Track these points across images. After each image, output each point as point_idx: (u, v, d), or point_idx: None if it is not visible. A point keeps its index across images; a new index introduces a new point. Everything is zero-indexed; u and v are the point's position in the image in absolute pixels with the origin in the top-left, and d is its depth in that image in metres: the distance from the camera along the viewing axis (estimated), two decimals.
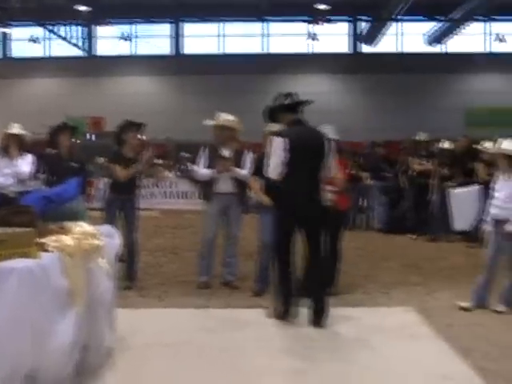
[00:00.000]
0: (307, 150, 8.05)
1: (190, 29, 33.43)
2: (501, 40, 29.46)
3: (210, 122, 9.96)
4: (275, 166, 7.99)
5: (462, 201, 14.70)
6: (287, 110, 8.31)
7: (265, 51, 32.32)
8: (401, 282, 10.36)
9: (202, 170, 9.88)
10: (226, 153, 9.62)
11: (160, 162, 14.58)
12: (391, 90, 28.86)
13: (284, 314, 8.03)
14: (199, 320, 8.06)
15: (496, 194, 8.72)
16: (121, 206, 9.66)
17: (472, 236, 14.20)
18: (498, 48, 29.87)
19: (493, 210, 8.75)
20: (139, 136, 10.00)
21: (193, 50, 32.82)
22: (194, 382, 5.97)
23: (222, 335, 7.40)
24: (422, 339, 7.37)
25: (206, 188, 9.95)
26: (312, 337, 7.43)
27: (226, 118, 9.86)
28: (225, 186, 9.60)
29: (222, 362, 6.49)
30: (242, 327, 7.81)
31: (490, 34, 30.61)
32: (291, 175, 7.95)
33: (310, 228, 8.11)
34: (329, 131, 9.43)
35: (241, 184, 9.77)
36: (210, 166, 9.76)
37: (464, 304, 8.67)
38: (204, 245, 9.88)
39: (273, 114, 8.47)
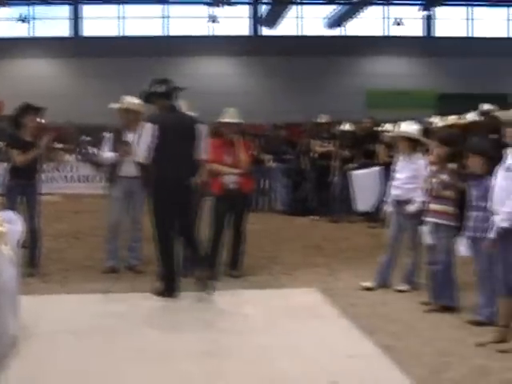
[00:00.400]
0: (176, 135, 8.30)
1: (89, 11, 32.86)
2: (399, 24, 29.96)
3: (114, 105, 9.86)
4: (142, 150, 8.32)
5: (362, 182, 14.93)
6: (161, 96, 8.49)
7: (165, 34, 32.04)
8: (304, 264, 10.46)
9: (105, 153, 9.76)
10: (129, 136, 9.50)
11: (60, 145, 14.26)
12: (292, 73, 29.02)
13: (168, 292, 8.29)
14: (103, 305, 7.96)
15: (397, 175, 8.88)
16: (22, 191, 9.42)
17: (373, 217, 14.46)
18: (397, 31, 30.38)
19: (393, 191, 8.91)
20: (38, 119, 9.77)
21: (92, 33, 32.24)
22: (100, 368, 5.88)
23: (126, 320, 7.33)
24: (327, 319, 7.46)
25: (110, 172, 9.83)
26: (218, 319, 7.42)
27: (131, 101, 9.74)
28: (129, 169, 9.48)
29: (127, 346, 6.44)
30: (146, 311, 7.76)
31: (388, 18, 31.09)
32: (160, 159, 8.29)
33: (180, 209, 8.39)
34: (233, 114, 9.47)
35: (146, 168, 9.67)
36: (114, 150, 9.65)
37: (367, 284, 8.82)
38: (110, 229, 9.77)
39: (148, 99, 8.68)
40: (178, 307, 7.94)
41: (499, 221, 6.29)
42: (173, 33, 31.71)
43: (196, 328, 7.13)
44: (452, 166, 7.74)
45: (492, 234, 6.55)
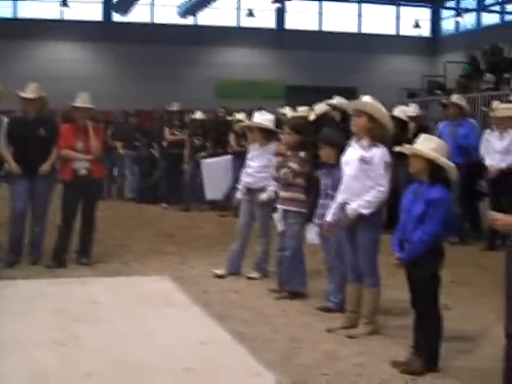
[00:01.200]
0: None
1: None
2: (251, 15, 30.17)
3: None
4: None
5: (213, 171, 15.04)
6: None
7: (14, 16, 30.90)
8: (155, 252, 10.40)
9: None
10: None
11: None
12: (144, 61, 28.69)
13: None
14: None
15: (250, 164, 8.95)
16: None
17: (223, 205, 14.57)
18: (249, 23, 30.62)
19: (246, 179, 8.98)
20: None
21: None
22: None
23: None
24: (179, 307, 7.45)
25: None
26: (68, 307, 7.25)
27: None
28: None
29: None
30: None
31: (241, 9, 31.28)
32: None
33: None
34: (84, 99, 9.27)
35: None
36: None
37: (218, 271, 8.86)
38: None
39: None
40: (27, 295, 7.71)
41: (360, 208, 6.43)
42: (22, 15, 30.64)
43: (47, 316, 6.94)
44: (302, 153, 7.89)
45: (329, 218, 6.75)
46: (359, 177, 6.45)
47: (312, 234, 7.84)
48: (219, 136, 15.62)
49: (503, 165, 10.41)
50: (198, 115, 16.08)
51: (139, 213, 14.97)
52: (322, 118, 10.99)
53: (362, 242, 6.48)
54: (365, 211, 6.41)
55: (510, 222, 4.40)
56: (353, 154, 6.55)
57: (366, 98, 6.68)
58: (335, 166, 6.91)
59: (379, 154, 6.42)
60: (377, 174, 6.42)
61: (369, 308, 6.56)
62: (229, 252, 9.05)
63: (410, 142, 6.13)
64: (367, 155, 6.42)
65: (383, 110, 6.65)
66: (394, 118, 11.79)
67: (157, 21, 30.90)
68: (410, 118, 12.16)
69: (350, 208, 6.47)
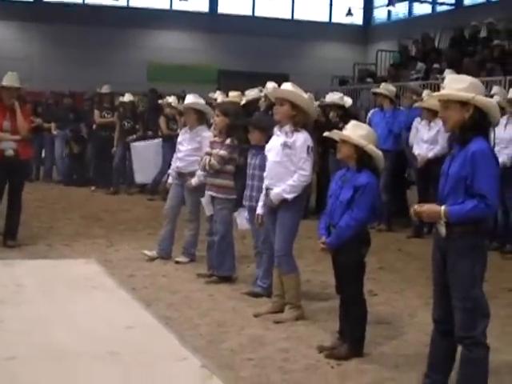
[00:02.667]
0: None
1: None
2: None
3: None
4: None
5: (143, 154, 14.92)
6: None
7: None
8: (83, 234, 10.29)
9: None
10: None
11: None
12: (76, 42, 28.21)
13: None
14: None
15: (180, 148, 8.89)
16: None
17: (152, 189, 14.50)
18: (181, 6, 30.35)
19: (176, 163, 8.92)
20: None
21: None
22: None
23: None
24: (105, 290, 7.37)
25: None
26: None
27: None
28: None
29: None
30: None
31: None
32: None
33: None
34: (12, 79, 9.10)
35: None
36: None
37: (150, 253, 8.80)
38: None
39: None
40: None
41: (283, 193, 6.45)
42: None
43: None
44: (229, 140, 7.87)
45: (259, 210, 6.78)
46: (283, 162, 6.49)
47: (241, 220, 7.85)
48: (150, 119, 15.51)
49: (430, 154, 10.55)
50: (128, 98, 15.89)
51: (67, 195, 14.78)
52: (253, 104, 11.01)
53: (282, 226, 6.51)
54: (288, 196, 6.44)
55: (435, 212, 4.45)
56: (276, 141, 6.59)
57: (288, 86, 6.68)
58: (263, 147, 6.91)
59: (301, 138, 6.46)
60: (299, 158, 6.45)
61: (291, 294, 6.59)
62: (159, 236, 8.99)
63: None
64: (289, 140, 6.46)
65: (305, 96, 6.67)
66: (332, 105, 11.93)
67: (89, 2, 30.44)
68: (336, 105, 12.12)
69: (273, 193, 6.50)
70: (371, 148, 5.57)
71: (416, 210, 4.58)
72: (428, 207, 4.51)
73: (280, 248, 6.55)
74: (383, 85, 12.39)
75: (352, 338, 5.66)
